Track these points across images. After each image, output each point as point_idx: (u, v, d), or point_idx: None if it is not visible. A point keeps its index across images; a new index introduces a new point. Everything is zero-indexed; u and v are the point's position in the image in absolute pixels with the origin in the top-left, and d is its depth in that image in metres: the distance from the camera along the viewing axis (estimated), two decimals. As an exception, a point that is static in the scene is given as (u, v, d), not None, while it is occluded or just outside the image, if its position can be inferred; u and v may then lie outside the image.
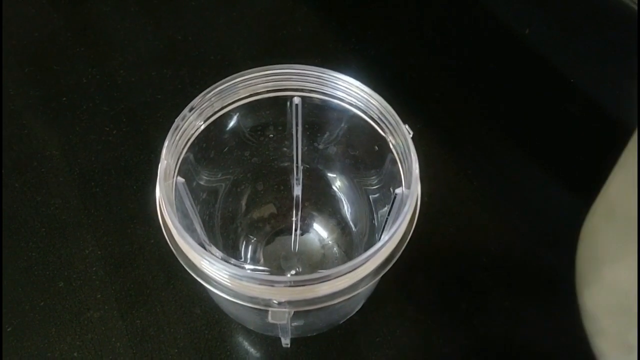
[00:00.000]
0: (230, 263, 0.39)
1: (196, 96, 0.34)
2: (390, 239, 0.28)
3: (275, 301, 0.28)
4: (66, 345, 0.38)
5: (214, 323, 0.39)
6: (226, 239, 0.41)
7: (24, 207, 0.44)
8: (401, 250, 0.30)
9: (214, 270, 0.28)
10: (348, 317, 0.38)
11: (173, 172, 0.32)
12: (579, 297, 0.28)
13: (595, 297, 0.27)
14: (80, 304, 0.40)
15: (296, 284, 0.27)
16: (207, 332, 0.39)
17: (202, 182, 0.38)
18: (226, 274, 0.27)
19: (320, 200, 0.42)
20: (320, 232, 0.42)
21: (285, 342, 0.37)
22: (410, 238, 0.31)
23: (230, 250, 0.41)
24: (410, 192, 0.30)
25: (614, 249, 0.26)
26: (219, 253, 0.39)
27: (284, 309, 0.28)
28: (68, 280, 0.41)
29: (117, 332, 0.39)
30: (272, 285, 0.27)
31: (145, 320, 0.39)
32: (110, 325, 0.39)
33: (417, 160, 0.31)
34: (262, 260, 0.40)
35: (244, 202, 0.42)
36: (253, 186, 0.42)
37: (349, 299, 0.30)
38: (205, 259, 0.27)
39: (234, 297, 0.28)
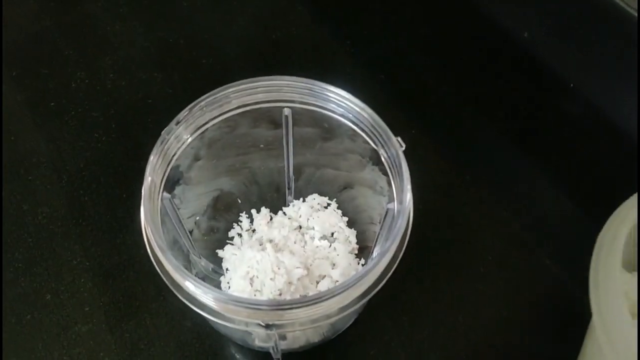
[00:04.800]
0: (218, 273, 0.39)
1: (188, 101, 0.33)
2: (381, 260, 0.27)
3: (261, 323, 0.27)
4: (53, 360, 0.37)
5: (204, 336, 0.38)
6: (216, 249, 0.40)
7: (10, 216, 0.43)
8: (392, 270, 0.29)
9: (199, 292, 0.27)
10: (340, 332, 0.37)
11: (159, 188, 0.31)
12: None
13: None
14: (68, 317, 0.39)
15: (282, 306, 0.26)
16: (198, 345, 0.38)
17: (190, 195, 0.37)
18: (211, 296, 0.27)
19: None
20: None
21: (277, 356, 0.36)
22: (405, 247, 0.30)
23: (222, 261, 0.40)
24: (402, 208, 0.30)
25: None
26: (209, 265, 0.39)
27: (270, 331, 0.28)
28: (55, 292, 0.40)
29: (106, 346, 0.38)
30: (258, 308, 0.26)
31: (134, 333, 0.38)
32: (98, 339, 0.38)
33: (409, 176, 0.30)
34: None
35: (235, 213, 0.41)
36: (244, 197, 0.41)
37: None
38: (190, 281, 0.27)
39: (219, 318, 0.28)
